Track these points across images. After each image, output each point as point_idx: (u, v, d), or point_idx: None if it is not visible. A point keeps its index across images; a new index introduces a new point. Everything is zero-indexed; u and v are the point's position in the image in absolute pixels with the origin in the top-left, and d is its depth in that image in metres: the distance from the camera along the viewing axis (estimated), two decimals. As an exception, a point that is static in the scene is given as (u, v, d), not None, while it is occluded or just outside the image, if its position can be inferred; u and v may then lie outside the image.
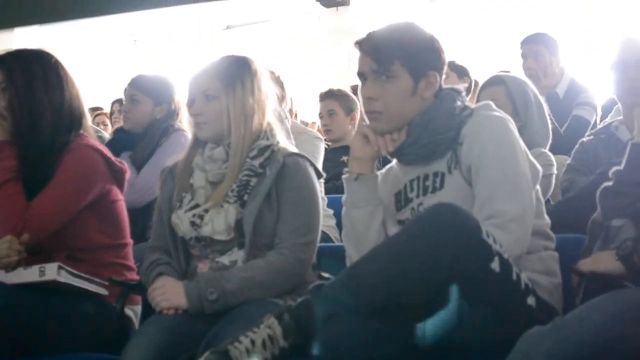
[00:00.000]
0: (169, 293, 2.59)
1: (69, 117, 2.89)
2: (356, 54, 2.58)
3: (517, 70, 4.83)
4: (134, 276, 2.92)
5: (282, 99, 3.58)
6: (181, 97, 4.08)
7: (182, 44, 13.64)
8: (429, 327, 2.12)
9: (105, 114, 7.85)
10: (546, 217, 2.56)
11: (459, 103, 2.57)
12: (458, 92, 2.62)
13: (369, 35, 2.56)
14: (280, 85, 3.67)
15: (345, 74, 9.42)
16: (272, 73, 3.39)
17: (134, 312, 2.90)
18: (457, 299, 2.09)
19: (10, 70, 2.87)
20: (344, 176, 2.65)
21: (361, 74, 2.57)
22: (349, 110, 5.25)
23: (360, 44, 2.56)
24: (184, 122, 3.99)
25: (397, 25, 2.59)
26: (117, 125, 6.99)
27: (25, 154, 2.84)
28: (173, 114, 4.04)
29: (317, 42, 12.39)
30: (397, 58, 2.50)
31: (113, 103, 7.16)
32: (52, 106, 2.85)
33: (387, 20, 2.60)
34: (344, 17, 11.86)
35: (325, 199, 4.09)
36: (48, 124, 2.84)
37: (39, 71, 2.87)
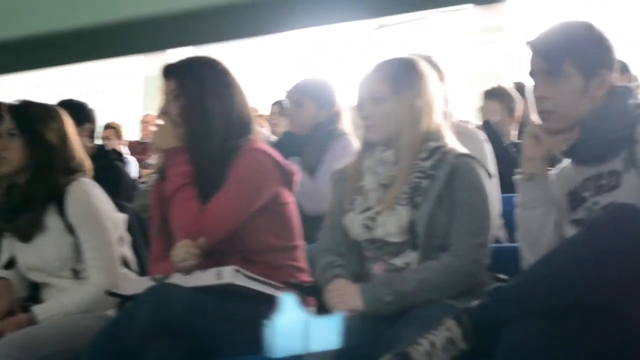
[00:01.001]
0: (345, 295, 2.62)
1: (239, 122, 2.95)
2: (510, 51, 2.56)
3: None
4: (306, 278, 2.96)
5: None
6: (342, 100, 4.12)
7: (332, 43, 13.73)
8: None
9: (262, 116, 7.96)
10: None
11: (632, 100, 2.52)
12: (630, 89, 2.57)
13: (540, 34, 2.54)
14: (438, 69, 3.62)
15: (498, 72, 9.30)
16: (429, 58, 3.37)
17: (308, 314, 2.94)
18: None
19: (182, 79, 2.95)
20: (516, 177, 2.63)
21: (532, 74, 2.54)
22: (510, 110, 5.18)
23: (531, 43, 2.54)
24: (346, 124, 4.04)
25: (567, 24, 2.56)
26: (274, 128, 7.13)
27: (198, 160, 2.92)
28: (336, 116, 4.08)
29: (468, 40, 12.29)
30: (568, 57, 2.46)
31: (273, 105, 7.26)
32: (223, 112, 2.92)
33: (542, 18, 2.57)
34: (496, 14, 11.71)
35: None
36: (219, 129, 2.91)
37: (209, 79, 2.95)
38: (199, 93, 2.92)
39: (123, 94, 13.54)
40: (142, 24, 0.60)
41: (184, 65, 2.99)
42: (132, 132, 9.74)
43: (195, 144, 2.93)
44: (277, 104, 6.98)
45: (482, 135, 4.12)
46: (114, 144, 7.52)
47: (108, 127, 8.19)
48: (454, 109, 5.58)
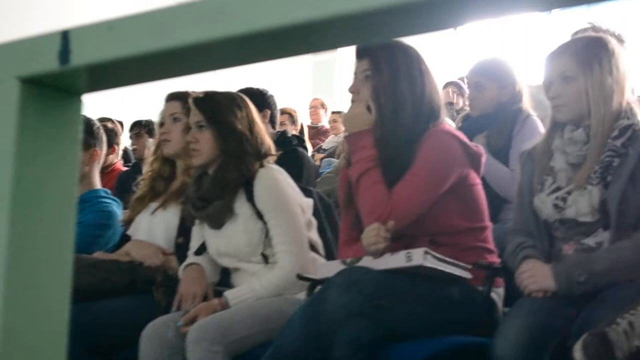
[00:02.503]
0: (537, 276, 2.60)
1: (429, 109, 2.96)
2: None
3: None
4: (495, 259, 2.95)
5: None
6: (523, 79, 4.07)
7: (503, 29, 13.49)
8: None
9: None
10: None
11: None
12: None
13: None
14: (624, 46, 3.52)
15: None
16: (618, 36, 3.29)
17: (497, 294, 2.93)
18: None
19: (376, 60, 2.98)
20: None
21: None
22: None
23: None
24: (528, 104, 3.99)
25: None
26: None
27: (385, 143, 2.95)
28: (518, 95, 4.03)
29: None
30: None
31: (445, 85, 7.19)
32: (414, 98, 2.94)
33: None
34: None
35: None
36: (409, 114, 2.92)
37: (403, 63, 2.97)
38: (392, 76, 2.94)
39: (292, 79, 13.72)
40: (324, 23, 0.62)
41: (379, 47, 3.00)
42: (302, 117, 9.88)
43: (383, 127, 2.95)
44: (453, 84, 6.92)
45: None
46: (288, 130, 7.65)
47: (282, 112, 8.34)
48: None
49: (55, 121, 0.81)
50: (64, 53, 0.73)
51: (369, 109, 2.97)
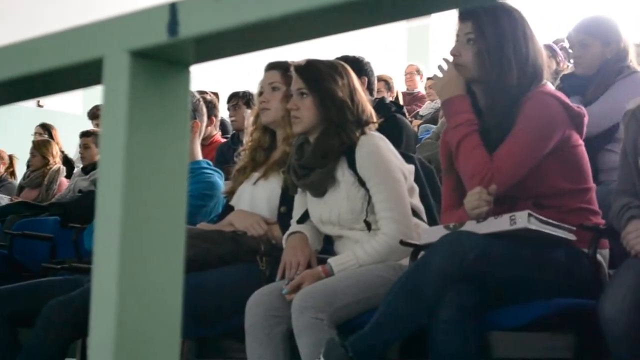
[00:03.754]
0: None
1: (532, 72, 2.93)
2: None
3: None
4: (599, 220, 2.90)
5: None
6: (629, 35, 3.98)
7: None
8: None
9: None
10: None
11: None
12: None
13: None
14: None
15: None
16: None
17: (603, 256, 2.89)
18: None
19: (480, 23, 2.94)
20: None
21: None
22: None
23: None
24: (635, 61, 3.89)
25: None
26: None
27: (490, 106, 2.92)
28: (623, 52, 3.95)
29: None
30: None
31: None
32: (519, 62, 2.90)
33: None
34: None
35: None
36: (513, 79, 2.88)
37: (508, 26, 2.93)
38: (497, 40, 2.91)
39: (387, 46, 13.65)
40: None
41: (482, 10, 2.97)
42: (397, 84, 9.84)
43: (488, 90, 2.92)
44: (546, 47, 6.83)
45: None
46: (385, 97, 7.63)
47: (378, 79, 8.32)
48: None
49: (165, 93, 0.83)
50: (173, 25, 0.75)
51: (466, 71, 2.94)
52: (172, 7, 0.75)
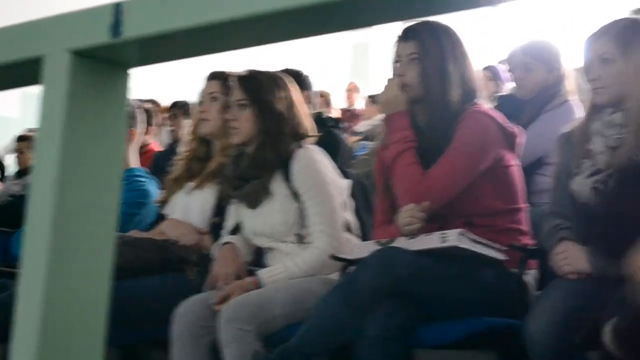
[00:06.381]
0: (572, 258, 2.60)
1: (470, 90, 2.97)
2: None
3: None
4: (529, 241, 2.94)
5: None
6: (568, 62, 4.04)
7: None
8: None
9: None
10: None
11: None
12: None
13: None
14: None
15: None
16: None
17: (531, 277, 2.93)
18: None
19: (423, 42, 2.97)
20: None
21: None
22: None
23: None
24: (570, 88, 3.95)
25: None
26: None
27: (425, 124, 2.96)
28: (561, 79, 4.00)
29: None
30: None
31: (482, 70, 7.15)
32: (458, 79, 2.94)
33: None
34: None
35: None
36: (456, 94, 2.93)
37: (447, 44, 2.97)
38: (440, 58, 2.95)
39: (330, 61, 13.68)
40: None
41: (425, 29, 3.00)
42: (338, 100, 9.88)
43: (431, 108, 2.95)
44: (488, 69, 6.88)
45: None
46: (324, 111, 7.64)
47: (317, 95, 8.32)
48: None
49: (105, 94, 0.82)
50: (116, 25, 0.75)
51: (403, 90, 2.97)
52: (117, 8, 0.75)
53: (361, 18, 0.69)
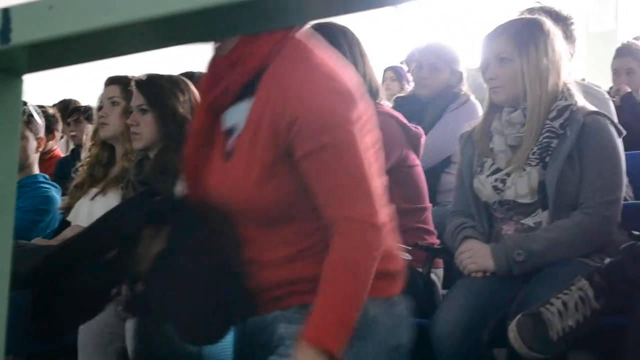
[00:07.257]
0: (477, 256, 2.64)
1: (370, 90, 2.98)
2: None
3: None
4: (435, 240, 2.98)
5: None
6: (465, 62, 4.10)
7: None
8: None
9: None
10: None
11: None
12: None
13: None
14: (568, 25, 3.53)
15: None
16: (558, 13, 3.33)
17: (437, 276, 2.97)
18: None
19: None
20: None
21: None
22: None
23: None
24: (468, 87, 4.01)
25: None
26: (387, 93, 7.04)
27: None
28: (461, 79, 4.05)
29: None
30: None
31: (386, 70, 7.15)
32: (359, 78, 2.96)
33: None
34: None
35: None
36: None
37: (345, 45, 2.97)
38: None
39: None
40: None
41: (322, 29, 2.99)
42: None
43: None
44: (391, 69, 6.91)
45: (606, 94, 4.04)
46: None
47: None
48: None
49: (-5, 102, 0.80)
50: (5, 32, 0.73)
51: None
52: (5, 13, 0.73)
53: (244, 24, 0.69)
